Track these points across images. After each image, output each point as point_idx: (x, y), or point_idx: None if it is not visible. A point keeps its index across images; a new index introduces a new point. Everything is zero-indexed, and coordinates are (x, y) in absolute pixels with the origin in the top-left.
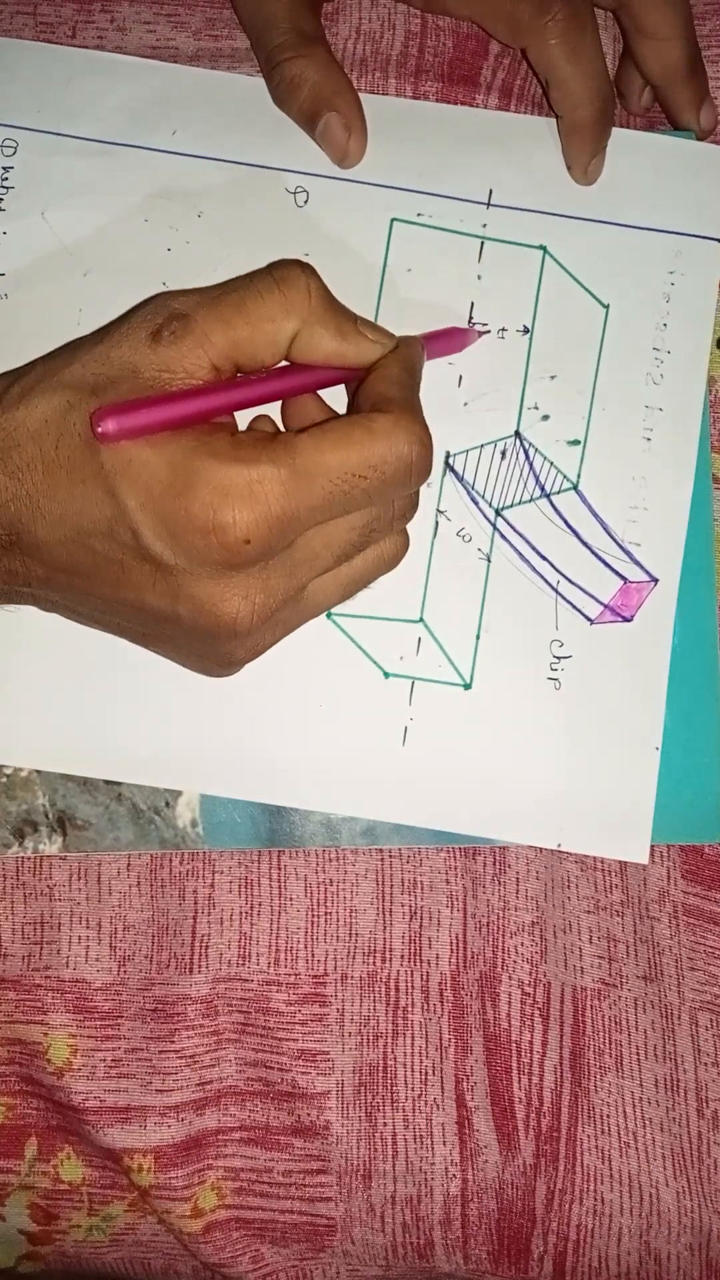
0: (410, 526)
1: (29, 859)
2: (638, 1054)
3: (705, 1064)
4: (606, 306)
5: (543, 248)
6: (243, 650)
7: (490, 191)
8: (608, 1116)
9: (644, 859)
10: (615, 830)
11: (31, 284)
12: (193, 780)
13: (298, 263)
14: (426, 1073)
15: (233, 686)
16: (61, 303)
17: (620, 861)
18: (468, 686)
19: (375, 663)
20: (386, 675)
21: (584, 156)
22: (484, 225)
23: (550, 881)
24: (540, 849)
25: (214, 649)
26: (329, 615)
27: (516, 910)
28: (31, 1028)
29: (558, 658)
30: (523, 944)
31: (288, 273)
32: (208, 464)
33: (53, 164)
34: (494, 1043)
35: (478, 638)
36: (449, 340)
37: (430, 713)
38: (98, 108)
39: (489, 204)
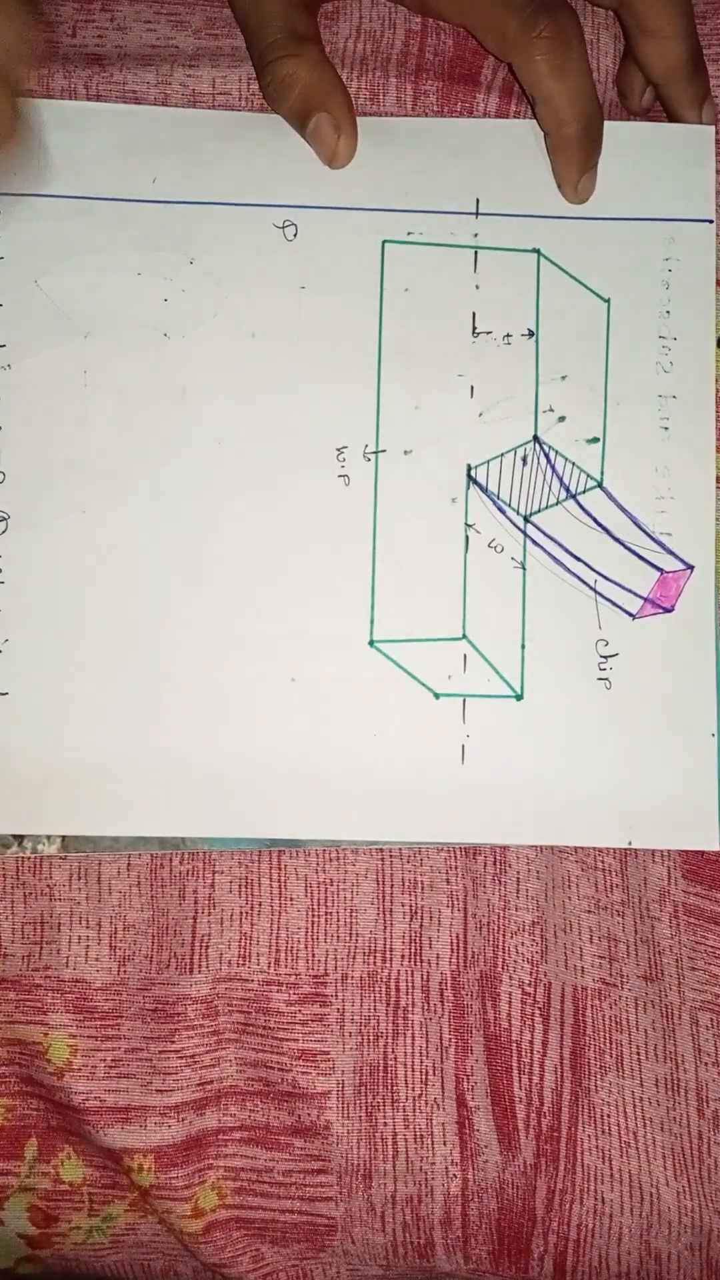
0: (440, 543)
1: (29, 859)
2: (638, 1054)
3: (706, 1064)
4: (607, 301)
5: (537, 250)
6: None
7: (477, 200)
8: (608, 1116)
9: (716, 846)
10: (683, 820)
11: (34, 352)
12: (256, 826)
13: None
14: (427, 1073)
15: (282, 722)
16: (66, 367)
17: (620, 861)
18: (519, 697)
19: (424, 685)
20: (437, 696)
21: (573, 174)
22: (475, 235)
23: (550, 881)
24: (540, 848)
25: None
26: (371, 643)
27: (517, 910)
28: (31, 1028)
29: (604, 657)
30: (523, 944)
31: None
32: None
33: (39, 229)
34: (494, 1042)
35: (523, 647)
36: None
37: (486, 728)
38: (74, 161)
39: (477, 213)
